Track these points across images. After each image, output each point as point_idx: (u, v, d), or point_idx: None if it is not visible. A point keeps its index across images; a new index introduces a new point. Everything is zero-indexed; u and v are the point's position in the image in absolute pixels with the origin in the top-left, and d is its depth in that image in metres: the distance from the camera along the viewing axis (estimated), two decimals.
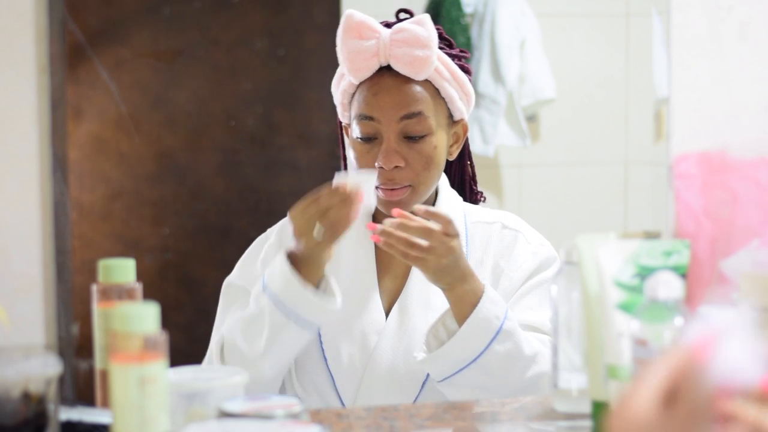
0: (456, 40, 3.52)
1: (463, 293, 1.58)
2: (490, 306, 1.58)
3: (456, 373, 1.59)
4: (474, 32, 3.61)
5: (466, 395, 1.59)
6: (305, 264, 1.59)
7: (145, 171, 3.63)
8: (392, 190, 1.68)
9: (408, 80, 1.68)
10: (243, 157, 3.66)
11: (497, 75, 3.56)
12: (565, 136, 3.77)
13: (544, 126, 3.77)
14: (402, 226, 1.55)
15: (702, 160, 1.32)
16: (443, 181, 1.81)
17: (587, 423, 1.31)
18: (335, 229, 1.55)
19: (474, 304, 1.57)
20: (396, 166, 1.66)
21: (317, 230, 1.55)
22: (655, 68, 3.46)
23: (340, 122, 1.81)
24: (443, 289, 1.59)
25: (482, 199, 1.88)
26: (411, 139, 1.67)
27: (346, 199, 1.55)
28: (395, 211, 1.57)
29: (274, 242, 1.78)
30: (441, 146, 1.71)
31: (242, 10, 3.63)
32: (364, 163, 1.69)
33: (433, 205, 1.78)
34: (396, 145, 1.67)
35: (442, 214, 1.55)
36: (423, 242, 1.53)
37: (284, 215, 1.77)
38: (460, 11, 3.54)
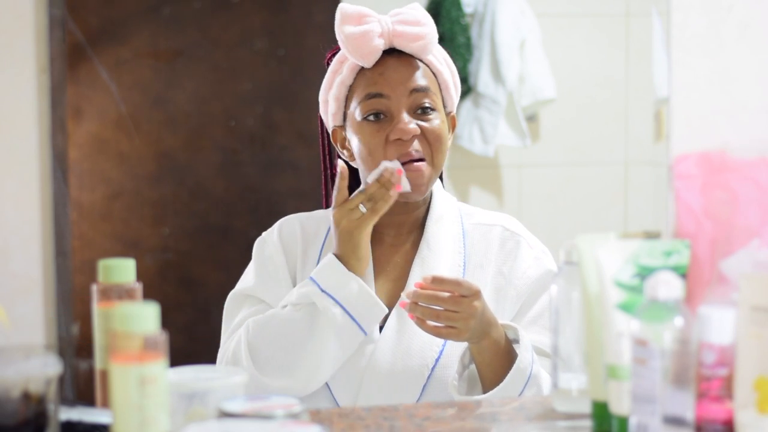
0: (456, 40, 3.52)
1: (488, 344, 1.59)
2: (526, 354, 1.60)
3: None
4: (474, 32, 3.61)
5: None
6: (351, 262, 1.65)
7: (145, 171, 3.63)
8: (412, 162, 1.67)
9: (412, 58, 1.70)
10: (243, 157, 3.66)
11: (497, 75, 3.56)
12: (565, 136, 3.77)
13: (544, 126, 3.77)
14: (418, 296, 1.55)
15: (702, 160, 1.32)
16: (437, 184, 1.80)
17: (587, 423, 1.31)
18: (377, 207, 1.63)
19: (497, 353, 1.59)
20: (413, 136, 1.66)
21: (360, 208, 1.63)
22: (655, 68, 3.46)
23: (323, 135, 1.81)
24: (470, 343, 1.60)
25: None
26: (421, 112, 1.68)
27: (386, 183, 1.62)
28: (417, 283, 1.57)
29: (279, 246, 1.76)
30: (445, 128, 1.72)
31: (242, 10, 3.63)
32: (375, 143, 1.67)
33: (428, 207, 1.78)
34: (409, 118, 1.67)
35: (449, 279, 1.55)
36: (444, 308, 1.54)
37: (284, 215, 1.77)
38: (460, 11, 3.54)
